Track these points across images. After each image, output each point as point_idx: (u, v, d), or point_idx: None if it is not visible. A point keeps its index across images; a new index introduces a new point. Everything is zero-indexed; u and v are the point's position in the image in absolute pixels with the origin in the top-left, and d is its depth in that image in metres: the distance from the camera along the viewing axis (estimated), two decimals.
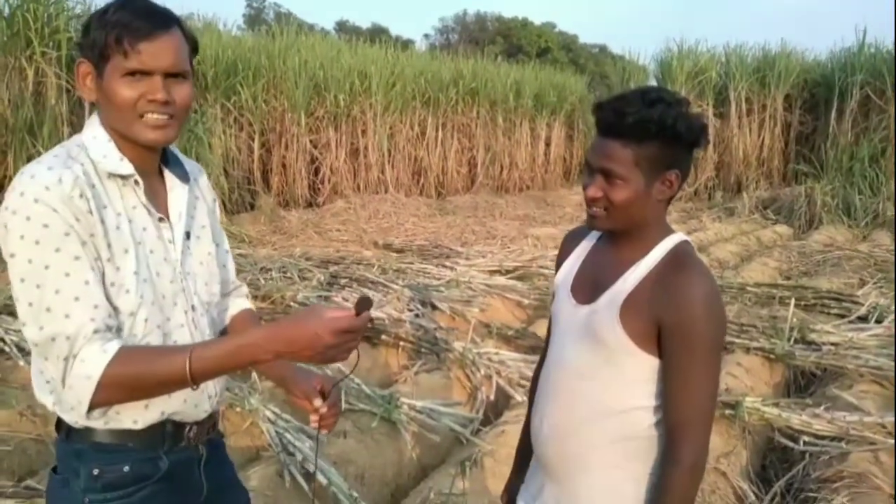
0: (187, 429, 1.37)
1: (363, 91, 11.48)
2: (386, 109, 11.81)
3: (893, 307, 5.13)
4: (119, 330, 1.24)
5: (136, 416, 1.29)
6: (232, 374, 1.39)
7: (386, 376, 4.11)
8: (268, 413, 3.07)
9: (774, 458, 3.51)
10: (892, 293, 5.75)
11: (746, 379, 4.01)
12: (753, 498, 3.02)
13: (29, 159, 6.51)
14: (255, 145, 10.25)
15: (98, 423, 1.27)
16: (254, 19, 35.15)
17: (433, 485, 2.82)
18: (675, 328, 1.34)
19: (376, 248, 8.01)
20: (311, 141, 10.85)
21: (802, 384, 4.39)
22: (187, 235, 1.40)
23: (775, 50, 14.34)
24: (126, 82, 1.24)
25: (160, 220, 1.35)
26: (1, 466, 2.76)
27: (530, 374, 3.71)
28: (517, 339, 4.66)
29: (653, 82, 14.88)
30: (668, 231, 1.45)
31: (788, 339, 4.44)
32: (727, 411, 3.48)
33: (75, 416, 1.26)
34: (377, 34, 19.23)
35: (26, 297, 1.18)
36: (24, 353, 3.54)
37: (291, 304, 4.82)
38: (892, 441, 3.19)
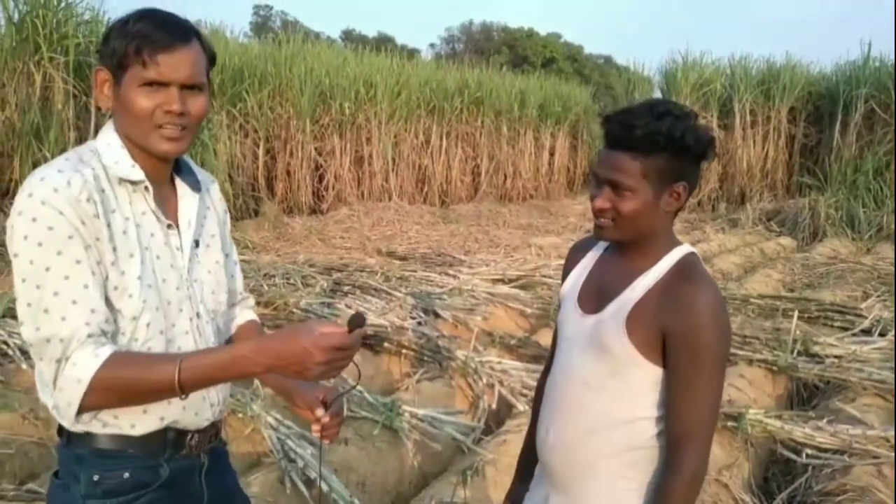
0: (189, 437, 1.37)
1: (368, 99, 11.52)
2: (391, 118, 11.85)
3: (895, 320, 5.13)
4: (115, 335, 1.25)
5: (134, 420, 1.29)
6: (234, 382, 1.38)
7: (388, 384, 4.11)
8: (269, 419, 3.07)
9: (777, 471, 3.50)
10: (895, 306, 5.74)
11: (749, 391, 4.00)
12: None
13: (35, 164, 6.55)
14: (260, 152, 10.28)
15: (96, 427, 1.27)
16: (260, 27, 35.32)
17: (434, 493, 2.82)
18: (681, 338, 1.35)
19: (379, 256, 8.02)
20: (315, 148, 10.89)
21: (805, 397, 4.38)
22: (196, 243, 1.40)
23: (780, 62, 14.37)
24: (143, 92, 1.25)
25: (169, 227, 1.35)
26: (3, 469, 2.76)
27: (533, 383, 3.71)
28: (520, 348, 4.65)
29: (658, 94, 14.93)
30: (676, 242, 1.46)
31: (791, 352, 4.43)
32: (730, 423, 3.47)
33: (65, 419, 1.26)
34: (383, 43, 19.34)
35: (26, 297, 1.19)
36: (27, 356, 3.54)
37: (294, 310, 4.82)
38: (895, 455, 3.18)
